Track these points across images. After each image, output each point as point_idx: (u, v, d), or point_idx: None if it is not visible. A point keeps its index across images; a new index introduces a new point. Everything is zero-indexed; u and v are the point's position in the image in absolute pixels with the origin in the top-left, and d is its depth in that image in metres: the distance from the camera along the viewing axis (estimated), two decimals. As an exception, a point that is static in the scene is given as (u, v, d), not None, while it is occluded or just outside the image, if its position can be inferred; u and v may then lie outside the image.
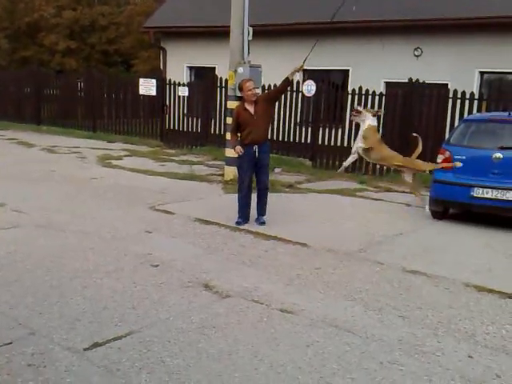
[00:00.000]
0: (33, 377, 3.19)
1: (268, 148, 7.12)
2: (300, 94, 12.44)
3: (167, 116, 15.14)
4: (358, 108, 7.44)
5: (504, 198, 6.99)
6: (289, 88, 12.39)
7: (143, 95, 15.44)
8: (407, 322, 4.25)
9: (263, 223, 6.98)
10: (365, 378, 3.37)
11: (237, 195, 7.14)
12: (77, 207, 7.43)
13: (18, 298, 4.29)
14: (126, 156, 12.66)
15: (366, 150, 7.34)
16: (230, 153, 9.70)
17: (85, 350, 3.54)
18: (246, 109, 6.87)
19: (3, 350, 3.48)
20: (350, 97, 11.85)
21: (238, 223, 6.93)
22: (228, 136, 9.66)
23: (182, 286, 4.74)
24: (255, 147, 6.85)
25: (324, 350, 3.72)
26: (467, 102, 10.57)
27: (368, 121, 7.49)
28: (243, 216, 7.01)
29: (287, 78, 7.17)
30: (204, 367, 3.41)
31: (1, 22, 26.84)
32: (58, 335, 3.72)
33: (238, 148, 6.82)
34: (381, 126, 11.33)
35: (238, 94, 9.27)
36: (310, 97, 12.15)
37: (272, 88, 12.62)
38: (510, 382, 3.40)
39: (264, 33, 13.42)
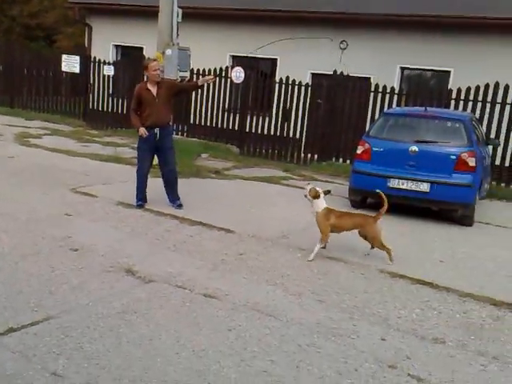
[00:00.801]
0: None
1: (170, 131, 7.13)
2: (229, 81, 12.43)
3: (91, 95, 14.64)
4: (305, 191, 5.81)
5: (418, 189, 7.38)
6: (217, 74, 12.41)
7: (66, 72, 14.84)
8: (325, 306, 4.41)
9: (180, 205, 6.96)
10: (284, 360, 3.47)
11: (136, 176, 7.01)
12: (-9, 187, 7.06)
13: None
14: (45, 135, 12.15)
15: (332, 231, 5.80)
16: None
17: (-1, 335, 3.41)
18: (148, 89, 6.76)
19: None
20: (277, 86, 12.00)
21: (139, 206, 6.86)
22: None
23: (103, 270, 4.65)
24: (156, 130, 6.79)
25: (245, 333, 3.79)
26: (388, 96, 11.02)
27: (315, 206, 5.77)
28: (142, 198, 6.95)
29: (197, 83, 7.40)
30: (124, 352, 3.38)
31: None
32: (-31, 321, 3.55)
33: (142, 130, 6.71)
34: (306, 116, 11.60)
35: (167, 76, 9.17)
36: (238, 83, 12.17)
37: (200, 74, 12.57)
38: (419, 362, 3.62)
39: (196, 15, 13.27)
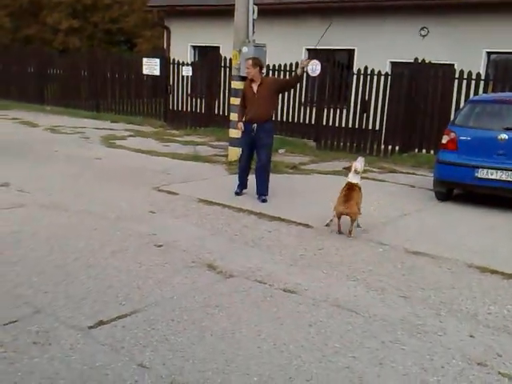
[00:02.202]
0: (38, 354, 3.23)
1: (269, 128, 7.27)
2: (305, 74, 12.33)
3: (171, 96, 15.08)
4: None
5: (508, 179, 6.97)
6: (293, 68, 12.36)
7: (147, 75, 15.37)
8: (409, 302, 4.27)
9: (265, 201, 7.16)
10: (367, 357, 3.40)
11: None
12: (80, 187, 7.44)
13: (22, 277, 4.33)
14: (129, 136, 12.65)
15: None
16: (233, 133, 9.69)
17: (89, 328, 3.58)
18: (250, 86, 7.19)
19: (9, 328, 3.52)
20: (355, 77, 11.76)
21: (236, 193, 7.40)
22: (232, 116, 9.66)
23: (185, 266, 4.76)
24: (254, 125, 7.12)
25: (326, 329, 3.75)
26: (473, 83, 10.49)
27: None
28: (239, 186, 7.48)
29: (297, 74, 7.49)
30: (207, 345, 3.44)
31: (3, 0, 26.59)
32: (62, 314, 3.75)
33: (240, 124, 7.25)
34: (386, 106, 11.30)
35: (242, 73, 9.29)
36: (314, 77, 12.02)
37: (276, 69, 12.59)
38: (510, 360, 3.42)
39: (270, 11, 13.31)
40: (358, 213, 5.88)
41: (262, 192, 7.24)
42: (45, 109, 17.23)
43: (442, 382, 3.15)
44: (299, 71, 7.32)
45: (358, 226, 5.99)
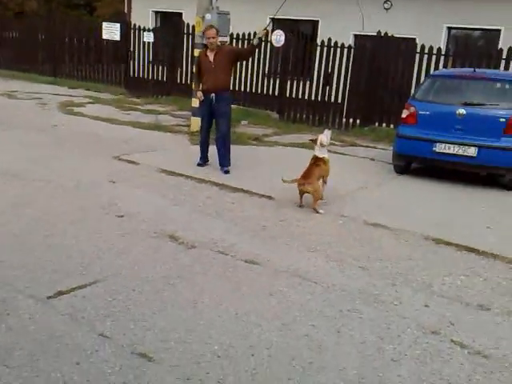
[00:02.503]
0: (-4, 324, 3.19)
1: (227, 98, 7.22)
2: (269, 45, 12.24)
3: (132, 63, 14.72)
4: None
5: (465, 153, 7.15)
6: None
7: (107, 40, 14.94)
8: (367, 272, 4.38)
9: (227, 172, 7.14)
10: (325, 325, 3.49)
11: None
12: (37, 156, 7.25)
13: (-22, 247, 4.23)
14: (88, 103, 12.34)
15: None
16: (196, 103, 9.55)
17: (48, 298, 3.53)
18: (206, 55, 7.04)
19: (-36, 298, 3.45)
20: (318, 49, 11.73)
21: (198, 164, 7.35)
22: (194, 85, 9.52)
23: (147, 236, 4.74)
24: (212, 95, 7.05)
25: (287, 298, 3.81)
26: (434, 58, 10.62)
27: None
28: (202, 158, 7.42)
29: (252, 45, 7.52)
30: (169, 315, 3.46)
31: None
32: (21, 283, 3.69)
33: (199, 93, 7.12)
34: (348, 79, 11.34)
35: (205, 41, 9.14)
36: (278, 47, 11.96)
37: (240, 38, 12.42)
38: (462, 329, 3.57)
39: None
40: (319, 189, 5.82)
41: (224, 163, 7.21)
42: (0, 73, 16.57)
43: (398, 350, 3.27)
44: (255, 41, 7.33)
45: (321, 198, 5.96)
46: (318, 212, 5.78)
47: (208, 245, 4.66)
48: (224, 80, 7.09)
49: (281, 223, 5.41)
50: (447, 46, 12.17)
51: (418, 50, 10.81)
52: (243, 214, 5.61)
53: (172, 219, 5.23)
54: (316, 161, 5.94)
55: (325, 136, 6.05)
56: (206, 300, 3.69)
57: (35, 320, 3.27)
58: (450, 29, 12.61)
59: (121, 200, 5.67)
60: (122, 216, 5.19)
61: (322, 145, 5.99)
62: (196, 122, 9.59)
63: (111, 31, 14.66)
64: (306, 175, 5.80)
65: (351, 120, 11.50)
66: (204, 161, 7.45)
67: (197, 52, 9.40)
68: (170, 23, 15.55)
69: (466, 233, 5.47)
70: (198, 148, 7.61)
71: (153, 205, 5.64)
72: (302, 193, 5.87)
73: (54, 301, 3.51)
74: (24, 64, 16.87)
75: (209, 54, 7.00)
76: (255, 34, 12.19)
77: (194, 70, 7.42)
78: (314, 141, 6.09)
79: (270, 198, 6.22)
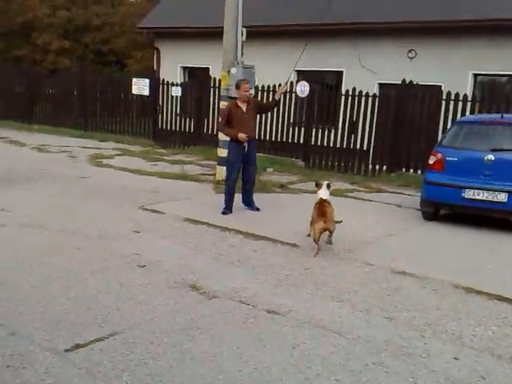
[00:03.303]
0: (10, 379, 3.13)
1: (256, 145, 7.76)
2: (294, 95, 12.41)
3: (160, 116, 15.09)
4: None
5: (495, 199, 6.98)
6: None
7: (136, 95, 15.39)
8: (394, 323, 4.21)
9: (258, 209, 7.61)
10: (349, 380, 3.33)
11: (225, 187, 7.63)
12: (64, 206, 7.35)
13: (-1, 298, 4.23)
14: (117, 155, 12.59)
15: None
16: (221, 152, 9.67)
17: (66, 351, 3.48)
18: (238, 106, 7.43)
19: (-18, 351, 3.42)
20: (343, 98, 11.82)
21: (223, 213, 7.39)
22: (220, 135, 9.66)
23: (168, 286, 4.68)
24: (245, 143, 7.38)
25: (310, 351, 3.67)
26: (460, 104, 10.57)
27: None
28: (228, 207, 7.50)
29: (274, 99, 8.09)
30: (187, 369, 3.35)
31: (-6, 22, 26.68)
32: (39, 336, 3.65)
33: (244, 135, 7.29)
34: (373, 126, 11.35)
35: (232, 94, 9.33)
36: (303, 97, 12.12)
37: (265, 90, 12.66)
38: (495, 383, 3.36)
39: (260, 33, 13.39)
40: (334, 227, 5.97)
41: (253, 202, 7.67)
42: (33, 128, 17.15)
43: (426, 406, 3.09)
44: (277, 96, 7.90)
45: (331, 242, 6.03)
46: (331, 244, 6.00)
47: (229, 294, 4.57)
48: (254, 128, 7.72)
49: (305, 271, 5.29)
50: (473, 93, 12.11)
51: (444, 96, 10.78)
52: (266, 262, 5.52)
53: (194, 268, 5.17)
54: (323, 202, 6.11)
55: (325, 188, 6.30)
56: (225, 353, 3.58)
57: (51, 374, 3.21)
58: (475, 75, 12.58)
59: (143, 250, 5.65)
60: (143, 266, 5.16)
61: (328, 186, 6.36)
62: (221, 171, 9.67)
63: (140, 86, 15.11)
64: (323, 215, 5.87)
65: (377, 166, 11.42)
66: (230, 209, 7.50)
67: (224, 104, 9.62)
68: (197, 77, 15.95)
69: (496, 281, 5.26)
70: (222, 196, 7.64)
71: (175, 254, 5.61)
72: (323, 231, 5.88)
73: (71, 354, 3.45)
74: (57, 119, 17.45)
75: (241, 105, 7.42)
76: (280, 85, 12.46)
77: (221, 120, 7.64)
78: (319, 185, 6.38)
79: (293, 245, 6.14)
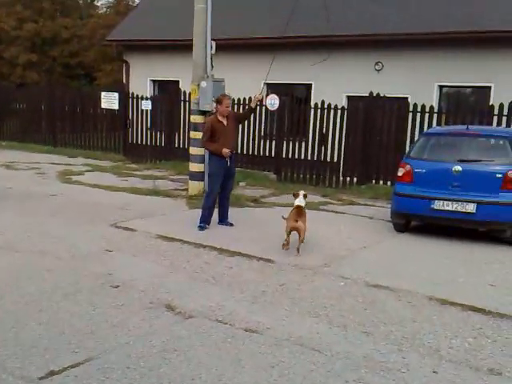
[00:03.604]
0: (-18, 411, 3.03)
1: (235, 158, 7.94)
2: (264, 108, 12.46)
3: (130, 130, 14.94)
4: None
5: (463, 210, 7.11)
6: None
7: (105, 109, 15.22)
8: (372, 338, 4.23)
9: (232, 224, 7.66)
10: (330, 399, 3.32)
11: (202, 203, 7.59)
12: (34, 226, 7.19)
13: (-32, 325, 4.10)
14: (87, 171, 12.41)
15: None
16: (194, 167, 9.64)
17: (40, 379, 3.38)
18: (219, 121, 7.46)
19: (-49, 382, 3.30)
20: (312, 111, 11.93)
21: (201, 227, 7.40)
22: (192, 150, 9.62)
23: (143, 307, 4.61)
24: (227, 158, 7.43)
25: (289, 370, 3.65)
26: (427, 116, 10.78)
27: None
28: (207, 221, 7.51)
29: (250, 107, 8.07)
30: (165, 393, 3.30)
31: (-43, 35, 26.13)
32: (11, 364, 3.54)
33: (227, 150, 7.36)
34: (343, 138, 11.48)
35: (201, 108, 9.32)
36: (273, 110, 12.17)
37: (235, 103, 12.68)
38: (473, 397, 3.41)
39: (229, 46, 13.44)
40: (305, 229, 6.45)
41: (227, 218, 7.75)
42: (0, 144, 16.79)
43: (407, 423, 3.10)
44: (253, 104, 7.85)
45: (302, 241, 6.45)
46: (298, 254, 6.34)
47: (206, 313, 4.52)
48: (235, 141, 8.07)
49: (281, 287, 5.28)
50: (439, 104, 12.38)
51: (411, 108, 11.00)
52: (242, 278, 5.49)
53: (169, 287, 5.11)
54: (299, 208, 6.66)
55: (301, 198, 6.86)
56: (203, 375, 3.53)
57: (24, 404, 3.11)
58: (441, 87, 12.87)
59: (116, 269, 5.56)
60: (117, 286, 5.07)
61: (304, 196, 6.91)
62: (194, 186, 9.64)
63: (110, 100, 14.94)
64: (298, 215, 6.46)
65: (348, 178, 11.54)
66: (209, 223, 7.51)
67: (194, 118, 9.60)
68: (167, 91, 15.88)
69: (470, 292, 5.34)
70: (195, 212, 7.59)
71: (149, 273, 5.53)
72: (292, 230, 6.44)
73: (46, 381, 3.35)
74: (24, 134, 17.13)
75: (221, 119, 7.45)
76: (250, 99, 12.51)
77: (204, 136, 7.56)
78: (296, 194, 6.90)
79: (268, 260, 6.12)
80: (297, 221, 6.38)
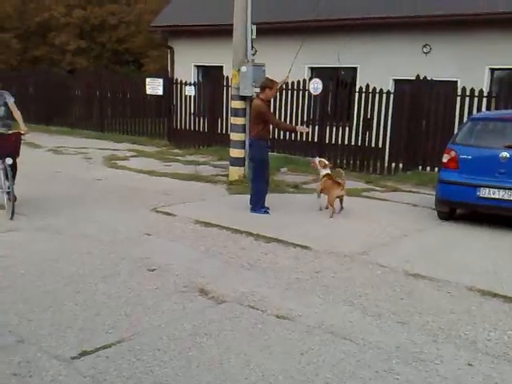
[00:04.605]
0: (16, 387, 3.14)
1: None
2: (307, 93, 12.31)
3: (174, 116, 15.08)
4: (315, 160, 7.87)
5: (511, 198, 6.82)
6: (295, 87, 12.34)
7: (151, 95, 15.41)
8: (406, 328, 4.13)
9: (268, 209, 7.59)
10: (358, 389, 3.27)
11: (254, 187, 7.60)
12: (78, 210, 7.38)
13: (8, 304, 4.25)
14: (132, 156, 12.63)
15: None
16: (234, 153, 9.64)
17: (72, 358, 3.48)
18: (268, 105, 7.75)
19: (-10, 359, 3.43)
20: (357, 95, 11.68)
21: (266, 212, 7.52)
22: (232, 135, 9.63)
23: (177, 291, 4.66)
24: (269, 142, 7.80)
25: (318, 358, 3.62)
26: (476, 100, 10.37)
27: (321, 172, 7.72)
28: (264, 203, 7.60)
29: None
30: (193, 377, 3.33)
31: (11, 22, 26.92)
32: (46, 343, 3.66)
33: (304, 127, 8.07)
34: (388, 123, 11.21)
35: (242, 93, 9.28)
36: (316, 95, 12.02)
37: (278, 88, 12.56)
38: (509, 392, 3.28)
39: (271, 30, 13.30)
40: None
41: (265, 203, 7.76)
42: (50, 129, 17.30)
43: (437, 416, 3.01)
44: (278, 86, 7.97)
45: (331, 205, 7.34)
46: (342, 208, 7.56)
47: (238, 299, 4.53)
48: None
49: (316, 275, 5.23)
50: (490, 88, 11.89)
51: (459, 92, 10.60)
52: (277, 265, 5.47)
53: (204, 272, 5.15)
54: (330, 176, 7.43)
55: (317, 159, 7.72)
56: (232, 360, 3.54)
57: (57, 382, 3.21)
58: (492, 70, 12.34)
59: (154, 253, 5.65)
60: (153, 270, 5.15)
61: (324, 165, 7.54)
62: (234, 172, 9.65)
63: (154, 86, 15.11)
64: (338, 183, 7.30)
65: (393, 164, 11.27)
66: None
67: (235, 104, 9.58)
68: (210, 76, 15.91)
69: (514, 283, 5.14)
70: (235, 198, 7.61)
71: (186, 257, 5.59)
72: (338, 198, 7.41)
73: (78, 362, 3.44)
74: (72, 120, 17.58)
75: (267, 103, 7.67)
76: (293, 84, 12.39)
77: (273, 117, 8.12)
78: (315, 165, 7.69)
79: (305, 247, 6.07)
80: (342, 189, 7.22)
